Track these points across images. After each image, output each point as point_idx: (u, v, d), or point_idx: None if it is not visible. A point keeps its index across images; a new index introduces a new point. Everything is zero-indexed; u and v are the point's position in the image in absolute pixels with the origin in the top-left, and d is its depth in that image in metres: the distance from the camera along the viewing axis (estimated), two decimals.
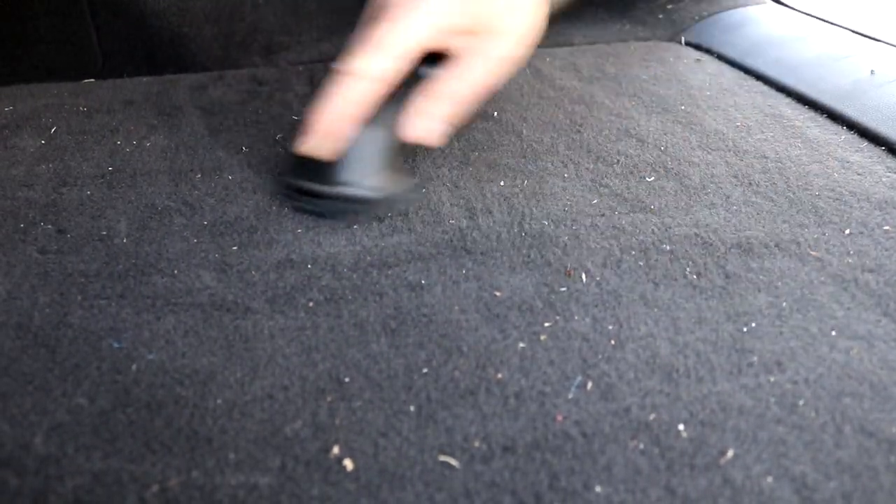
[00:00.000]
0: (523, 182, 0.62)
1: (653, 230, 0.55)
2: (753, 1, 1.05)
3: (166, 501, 0.34)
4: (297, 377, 0.42)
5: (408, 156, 0.59)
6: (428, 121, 0.49)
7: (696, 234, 0.54)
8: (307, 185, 0.53)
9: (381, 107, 0.49)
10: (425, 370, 0.42)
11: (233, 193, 0.61)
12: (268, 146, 0.69)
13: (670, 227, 0.55)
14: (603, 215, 0.57)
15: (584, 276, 0.50)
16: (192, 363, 0.43)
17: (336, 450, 0.37)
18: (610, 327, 0.45)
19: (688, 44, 0.98)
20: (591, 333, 0.45)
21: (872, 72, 0.76)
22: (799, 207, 0.58)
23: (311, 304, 0.48)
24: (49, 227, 0.56)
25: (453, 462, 0.36)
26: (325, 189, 0.52)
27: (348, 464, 0.36)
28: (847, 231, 0.54)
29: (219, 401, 0.40)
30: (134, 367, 0.42)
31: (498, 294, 0.48)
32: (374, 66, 0.45)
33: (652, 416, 0.39)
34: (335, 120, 0.48)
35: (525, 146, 0.69)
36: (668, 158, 0.66)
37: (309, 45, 0.98)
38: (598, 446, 0.37)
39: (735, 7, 1.04)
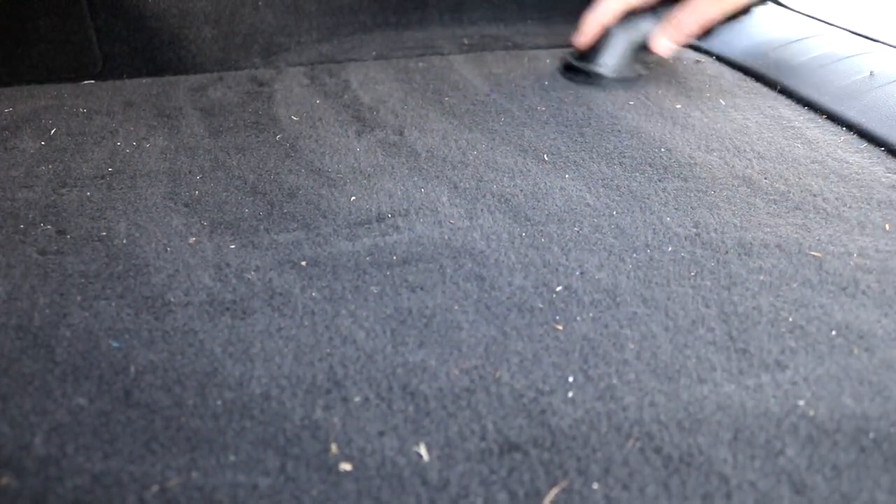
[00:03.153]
0: (523, 182, 0.62)
1: (653, 230, 0.55)
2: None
3: (166, 501, 0.34)
4: (295, 377, 0.42)
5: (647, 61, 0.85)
6: (666, 41, 0.80)
7: (697, 234, 0.54)
8: (573, 62, 0.84)
9: (632, 16, 0.80)
10: (424, 370, 0.42)
11: (233, 194, 0.61)
12: (267, 146, 0.69)
13: (670, 227, 0.55)
14: (603, 215, 0.57)
15: (584, 276, 0.50)
16: (192, 363, 0.43)
17: (334, 449, 0.37)
18: (610, 327, 0.45)
19: (687, 45, 0.98)
20: (591, 333, 0.45)
21: (872, 73, 0.76)
22: (799, 207, 0.58)
23: (310, 304, 0.48)
24: (49, 227, 0.56)
25: (452, 461, 0.36)
26: (581, 65, 0.83)
27: (347, 463, 0.36)
28: (847, 231, 0.54)
29: (218, 401, 0.40)
30: (133, 367, 0.42)
31: (498, 294, 0.48)
32: None
33: (651, 416, 0.39)
34: (596, 23, 0.80)
35: (525, 146, 0.69)
36: (669, 159, 0.66)
37: (309, 45, 0.98)
38: (597, 445, 0.37)
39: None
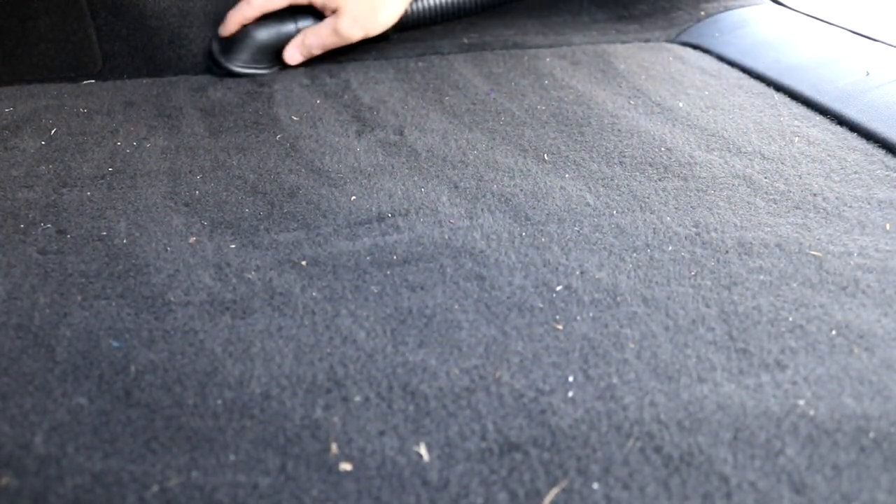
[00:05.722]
0: (523, 182, 0.62)
1: (653, 230, 0.55)
2: (752, 1, 1.05)
3: (166, 501, 0.34)
4: (295, 377, 0.42)
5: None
6: (292, 52, 0.88)
7: (697, 234, 0.54)
8: (212, 51, 0.90)
9: (283, 16, 0.88)
10: (424, 370, 0.42)
11: (233, 193, 0.61)
12: (268, 146, 0.69)
13: (670, 227, 0.55)
14: (603, 215, 0.57)
15: (584, 275, 0.50)
16: (192, 363, 0.43)
17: (334, 449, 0.37)
18: (610, 327, 0.45)
19: (687, 44, 0.98)
20: (591, 333, 0.45)
21: (868, 73, 0.76)
22: (799, 207, 0.58)
23: (310, 303, 0.48)
24: (49, 227, 0.56)
25: (452, 461, 0.36)
26: (217, 57, 0.89)
27: (347, 463, 0.36)
28: (847, 231, 0.55)
29: (218, 401, 0.40)
30: (134, 366, 0.42)
31: (498, 294, 0.48)
32: (257, 4, 0.87)
33: (651, 415, 0.39)
34: (232, 21, 0.87)
35: (525, 146, 0.69)
36: (668, 158, 0.66)
37: None
38: (597, 445, 0.37)
39: (734, 7, 1.04)
